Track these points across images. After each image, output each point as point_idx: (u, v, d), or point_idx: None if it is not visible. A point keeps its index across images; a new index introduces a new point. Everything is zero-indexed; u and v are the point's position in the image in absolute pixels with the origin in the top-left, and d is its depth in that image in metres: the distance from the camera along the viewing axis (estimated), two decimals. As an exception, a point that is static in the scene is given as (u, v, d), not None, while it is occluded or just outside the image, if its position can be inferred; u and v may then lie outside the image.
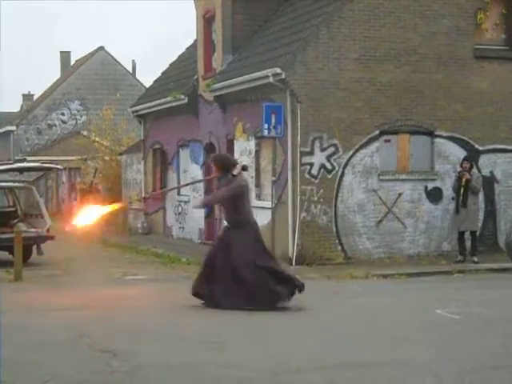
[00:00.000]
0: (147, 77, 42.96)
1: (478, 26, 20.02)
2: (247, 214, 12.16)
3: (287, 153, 18.73)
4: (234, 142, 21.51)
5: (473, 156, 19.52)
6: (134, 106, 29.61)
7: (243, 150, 20.78)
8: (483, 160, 20.07)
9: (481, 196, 19.36)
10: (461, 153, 19.60)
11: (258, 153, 20.49)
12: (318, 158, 18.66)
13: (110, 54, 53.63)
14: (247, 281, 11.65)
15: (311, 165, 18.57)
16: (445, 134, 19.68)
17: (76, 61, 57.62)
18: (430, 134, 19.63)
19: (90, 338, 9.20)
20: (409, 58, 19.24)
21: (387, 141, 19.34)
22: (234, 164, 12.41)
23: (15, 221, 20.54)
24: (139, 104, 29.02)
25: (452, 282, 15.98)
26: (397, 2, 19.10)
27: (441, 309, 11.59)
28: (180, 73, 26.98)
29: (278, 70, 18.42)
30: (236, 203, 12.07)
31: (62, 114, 52.51)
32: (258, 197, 19.48)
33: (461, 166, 18.67)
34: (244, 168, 12.51)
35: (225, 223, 12.78)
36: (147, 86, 36.49)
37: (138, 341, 9.17)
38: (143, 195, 28.78)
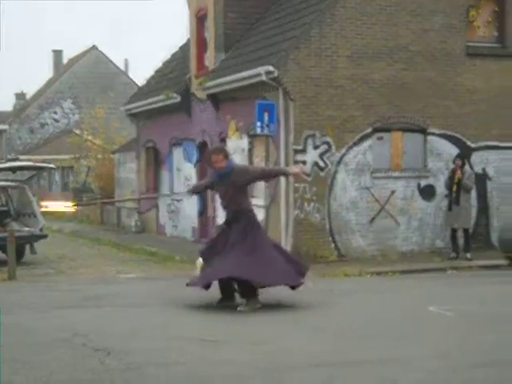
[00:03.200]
0: (140, 75, 43.07)
1: (470, 23, 20.09)
2: None
3: (280, 151, 18.76)
4: (227, 140, 21.52)
5: (465, 153, 19.59)
6: (126, 105, 29.61)
7: (236, 148, 20.80)
8: (475, 157, 20.14)
9: (473, 193, 19.44)
10: (453, 150, 19.67)
11: (250, 151, 20.52)
12: (311, 155, 18.70)
13: (102, 53, 53.59)
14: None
15: (304, 163, 18.60)
16: (437, 132, 19.74)
17: (69, 60, 57.57)
18: (423, 131, 19.69)
19: (85, 336, 9.20)
20: (401, 56, 19.30)
21: (380, 138, 19.40)
22: None
23: (8, 220, 20.53)
24: (132, 102, 29.01)
25: (445, 278, 16.02)
26: (389, -1, 19.15)
27: (434, 306, 11.60)
28: (173, 71, 26.98)
29: (271, 68, 18.45)
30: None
31: (55, 113, 52.47)
32: (251, 195, 19.46)
33: (453, 163, 18.73)
34: None
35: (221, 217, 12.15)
36: (140, 84, 36.53)
37: (132, 339, 9.17)
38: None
